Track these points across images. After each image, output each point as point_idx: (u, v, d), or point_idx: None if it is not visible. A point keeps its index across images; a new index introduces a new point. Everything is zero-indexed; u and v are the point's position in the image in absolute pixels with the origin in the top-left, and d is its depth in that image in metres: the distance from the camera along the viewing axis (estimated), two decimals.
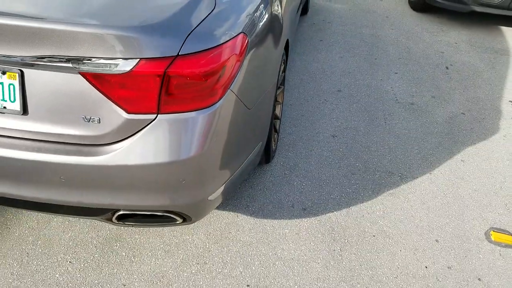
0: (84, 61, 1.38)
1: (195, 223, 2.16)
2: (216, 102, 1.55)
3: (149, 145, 1.50)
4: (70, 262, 1.93)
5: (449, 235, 2.22)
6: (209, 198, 1.70)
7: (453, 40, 4.65)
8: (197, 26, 1.50)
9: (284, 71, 2.69)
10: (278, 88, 2.57)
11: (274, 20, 2.11)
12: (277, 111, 2.77)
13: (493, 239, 2.21)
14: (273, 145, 2.52)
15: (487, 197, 2.50)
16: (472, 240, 2.21)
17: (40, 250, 1.98)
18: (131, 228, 2.09)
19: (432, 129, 3.09)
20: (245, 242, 2.09)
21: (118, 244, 2.02)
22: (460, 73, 3.93)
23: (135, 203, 1.60)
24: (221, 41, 1.53)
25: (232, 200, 2.32)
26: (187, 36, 1.45)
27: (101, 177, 1.53)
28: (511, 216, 2.37)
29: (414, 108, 3.34)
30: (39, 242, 2.01)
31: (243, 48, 1.66)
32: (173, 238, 2.07)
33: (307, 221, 2.24)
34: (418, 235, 2.21)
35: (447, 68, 4.03)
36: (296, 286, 1.91)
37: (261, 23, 1.89)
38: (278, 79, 2.27)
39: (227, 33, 1.57)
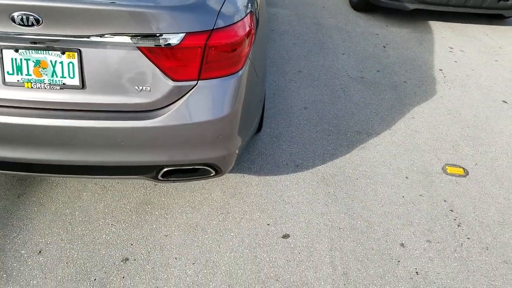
0: (142, 37, 1.67)
1: (210, 184, 2.48)
2: (240, 69, 1.90)
3: (192, 107, 1.81)
4: (112, 224, 2.18)
5: (415, 173, 2.74)
6: (236, 151, 2.04)
7: (383, 24, 5.30)
8: (222, 6, 1.84)
9: None
10: None
11: (262, 5, 2.48)
12: None
13: (449, 172, 2.76)
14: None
15: (438, 142, 3.07)
16: (433, 174, 2.74)
17: (80, 218, 2.20)
18: (157, 192, 2.37)
19: (383, 96, 3.64)
20: (256, 194, 2.45)
21: (149, 207, 2.29)
22: (396, 50, 4.56)
23: (179, 158, 1.90)
24: (240, 18, 1.89)
25: (235, 165, 2.66)
26: (218, 14, 1.79)
27: (153, 138, 1.82)
28: (459, 155, 2.95)
29: (365, 81, 3.88)
30: (77, 212, 2.23)
31: (254, 24, 2.02)
32: (195, 197, 2.38)
33: (301, 174, 2.65)
34: (391, 175, 2.70)
35: (384, 47, 4.64)
36: (306, 221, 2.31)
37: (257, 5, 2.26)
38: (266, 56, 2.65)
39: (242, 12, 1.93)
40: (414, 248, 2.21)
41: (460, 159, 2.91)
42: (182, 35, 1.70)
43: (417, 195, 2.56)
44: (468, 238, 2.29)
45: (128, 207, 2.28)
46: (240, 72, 1.89)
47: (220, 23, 1.78)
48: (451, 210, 2.47)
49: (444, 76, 4.06)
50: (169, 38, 1.69)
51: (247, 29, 1.90)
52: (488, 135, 3.21)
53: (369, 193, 2.54)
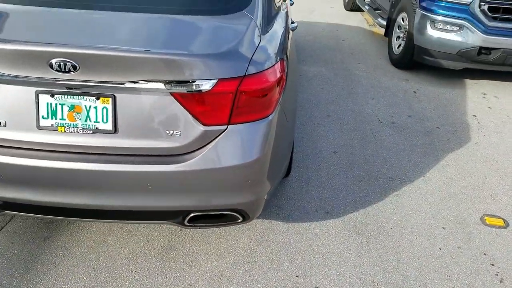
0: (176, 83, 1.67)
1: (236, 230, 2.41)
2: (270, 114, 1.87)
3: (221, 151, 1.79)
4: (135, 271, 2.12)
5: (452, 223, 2.60)
6: (265, 197, 1.98)
7: (414, 72, 5.26)
8: (254, 53, 1.84)
9: None
10: None
11: (293, 51, 2.49)
12: None
13: (488, 223, 2.61)
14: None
15: (474, 191, 2.93)
16: (471, 225, 2.59)
17: (104, 264, 2.15)
18: (182, 238, 2.31)
19: (416, 142, 3.54)
20: (284, 242, 2.36)
21: (174, 253, 2.23)
22: (427, 95, 4.49)
23: (207, 203, 1.86)
24: (272, 64, 1.88)
25: (263, 210, 2.59)
26: (250, 61, 1.79)
27: (181, 182, 1.79)
28: (498, 205, 2.80)
29: (396, 126, 3.80)
30: (101, 258, 2.19)
31: (284, 70, 2.01)
32: (221, 244, 2.31)
33: (332, 222, 2.55)
34: (427, 225, 2.57)
35: (415, 92, 4.58)
36: (337, 273, 2.19)
37: (288, 52, 2.27)
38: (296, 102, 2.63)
39: (273, 59, 1.93)
40: None
41: (499, 210, 2.75)
42: (214, 81, 1.71)
43: (455, 247, 2.41)
44: None
45: (152, 252, 2.23)
46: (270, 117, 1.87)
47: (252, 70, 1.77)
48: (492, 264, 2.30)
49: (479, 123, 3.94)
50: (202, 84, 1.70)
51: (278, 75, 1.89)
52: None
53: (404, 244, 2.41)
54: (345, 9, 8.17)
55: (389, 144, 3.47)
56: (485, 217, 2.66)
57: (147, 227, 2.39)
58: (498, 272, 2.26)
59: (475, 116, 4.07)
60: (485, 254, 2.37)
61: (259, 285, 2.09)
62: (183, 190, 1.81)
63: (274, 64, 1.90)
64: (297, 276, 2.16)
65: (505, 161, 3.32)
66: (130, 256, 2.20)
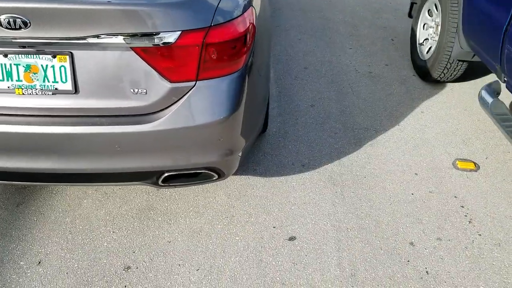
0: (136, 36, 1.63)
1: (214, 187, 2.45)
2: (241, 67, 1.85)
3: (190, 109, 1.78)
4: (113, 232, 2.16)
5: (425, 169, 2.67)
6: (239, 154, 2.00)
7: (391, 16, 5.20)
8: (220, 1, 1.78)
9: None
10: None
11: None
12: None
13: (459, 166, 2.68)
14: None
15: (448, 137, 2.98)
16: (443, 169, 2.66)
17: (80, 227, 2.19)
18: (160, 197, 2.34)
19: (391, 90, 3.56)
20: (262, 196, 2.41)
21: (152, 212, 2.27)
22: (405, 43, 4.46)
23: (180, 163, 1.87)
24: (240, 13, 1.83)
25: (240, 166, 2.62)
26: (215, 10, 1.74)
27: (151, 143, 1.79)
28: (470, 149, 2.87)
29: (373, 75, 3.80)
30: (77, 221, 2.22)
31: (253, 17, 1.96)
32: (199, 201, 2.35)
33: (308, 174, 2.60)
34: (400, 172, 2.64)
35: (392, 40, 4.55)
36: (313, 222, 2.26)
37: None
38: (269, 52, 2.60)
39: (241, 7, 1.86)
40: (424, 246, 2.14)
41: (471, 154, 2.82)
42: (178, 33, 1.66)
43: (426, 192, 2.49)
44: (480, 235, 2.22)
45: (130, 213, 2.26)
46: (241, 71, 1.85)
47: (218, 20, 1.73)
48: (462, 206, 2.39)
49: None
50: (164, 37, 1.66)
51: (247, 25, 1.85)
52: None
53: (378, 191, 2.48)
54: None
55: (366, 95, 3.48)
56: (457, 162, 2.72)
57: (123, 188, 2.41)
58: (467, 214, 2.35)
59: None
60: (455, 197, 2.46)
61: (237, 238, 2.15)
62: (153, 150, 1.81)
63: (243, 13, 1.85)
64: (274, 227, 2.22)
65: (478, 106, 3.36)
66: (107, 218, 2.24)
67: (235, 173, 2.54)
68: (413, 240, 2.18)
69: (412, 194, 2.47)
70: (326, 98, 3.41)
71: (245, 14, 1.86)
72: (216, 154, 1.90)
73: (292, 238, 2.16)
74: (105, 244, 2.10)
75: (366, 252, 2.10)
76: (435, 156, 2.78)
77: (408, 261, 2.07)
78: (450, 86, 3.64)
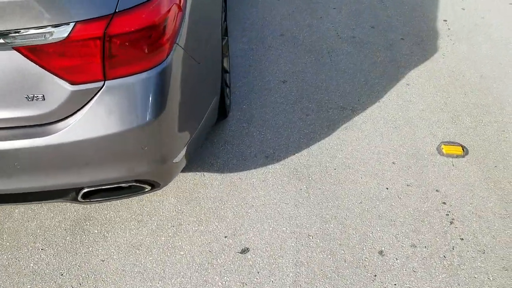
0: (17, 34, 1.30)
1: (163, 189, 2.17)
2: (165, 59, 1.51)
3: (101, 115, 1.46)
4: (42, 249, 1.91)
5: (404, 156, 2.35)
6: (174, 161, 1.70)
7: None
8: None
9: (225, 20, 2.65)
10: (222, 39, 2.54)
11: None
12: (225, 64, 2.75)
13: (444, 152, 2.36)
14: (226, 100, 2.52)
15: (434, 114, 2.64)
16: (426, 156, 2.35)
17: (7, 243, 1.94)
18: (99, 204, 2.07)
19: (375, 59, 3.18)
20: (216, 197, 2.13)
21: (88, 223, 2.01)
22: (396, 0, 4.00)
23: (98, 177, 1.58)
24: None
25: (196, 161, 2.33)
26: None
27: (56, 158, 1.50)
28: (458, 128, 2.53)
29: (356, 41, 3.40)
30: (5, 236, 1.97)
31: None
32: (144, 207, 2.08)
33: (271, 167, 2.30)
34: (375, 160, 2.33)
35: None
36: (270, 228, 1.99)
37: None
38: (221, 29, 2.23)
39: None
40: (395, 256, 1.87)
41: (460, 134, 2.49)
42: (71, 25, 1.33)
43: (404, 185, 2.19)
44: (462, 239, 1.94)
45: (63, 225, 2.00)
46: (165, 63, 1.51)
47: (125, 4, 1.38)
48: (444, 203, 2.10)
49: (449, 29, 3.53)
50: (54, 32, 1.33)
51: (169, 5, 1.49)
52: (495, 101, 2.75)
53: (347, 186, 2.18)
54: None
55: (346, 65, 3.11)
56: (442, 146, 2.40)
57: None
58: (449, 212, 2.06)
59: (446, 20, 3.64)
60: (437, 191, 2.16)
61: (181, 253, 1.89)
62: (61, 165, 1.52)
63: None
64: (225, 237, 1.96)
65: (472, 75, 2.99)
66: (38, 232, 1.98)
67: (189, 170, 2.26)
68: (383, 248, 1.90)
69: (387, 188, 2.17)
70: (301, 72, 3.04)
71: None
72: (142, 165, 1.60)
73: (244, 251, 1.90)
74: (31, 265, 1.86)
75: (327, 265, 1.84)
76: (418, 139, 2.46)
77: (375, 275, 1.80)
78: (441, 51, 3.24)
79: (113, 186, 1.65)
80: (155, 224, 2.00)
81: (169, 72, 1.53)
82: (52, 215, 2.05)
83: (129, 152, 1.55)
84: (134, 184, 1.67)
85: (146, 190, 1.73)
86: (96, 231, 1.98)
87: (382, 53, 3.23)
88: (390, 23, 3.61)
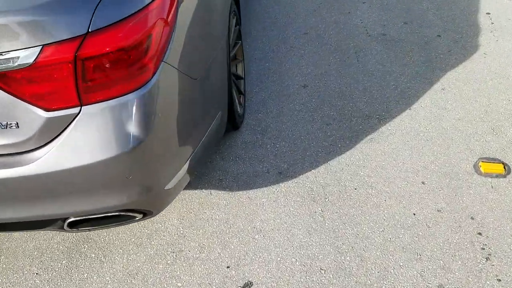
0: None
1: (167, 208, 2.01)
2: (149, 80, 1.34)
3: (79, 143, 1.32)
4: (37, 273, 1.80)
5: (436, 175, 2.09)
6: (166, 187, 1.54)
7: None
8: None
9: (238, 24, 2.45)
10: (234, 45, 2.35)
11: None
12: (239, 70, 2.55)
13: (482, 170, 2.08)
14: (239, 109, 2.33)
15: (472, 125, 2.35)
16: (460, 175, 2.08)
17: (4, 265, 1.84)
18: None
19: (407, 59, 2.89)
20: (221, 220, 1.96)
21: (86, 246, 1.88)
22: None
23: (82, 208, 1.44)
24: (140, 6, 1.30)
25: (203, 176, 2.17)
26: (97, 6, 1.23)
27: (35, 188, 1.36)
28: (500, 142, 2.23)
29: (387, 39, 3.12)
30: (2, 257, 1.87)
31: (171, 9, 1.42)
32: (144, 229, 1.93)
33: (284, 185, 2.10)
34: (402, 180, 2.08)
35: None
36: (278, 259, 1.79)
37: None
38: (229, 37, 2.04)
39: None
40: None
41: (502, 149, 2.20)
42: (38, 48, 1.18)
43: (434, 210, 1.93)
44: (499, 280, 1.68)
45: (61, 247, 1.89)
46: (150, 83, 1.34)
47: (100, 22, 1.22)
48: (479, 234, 1.83)
49: (492, 23, 3.17)
50: (18, 57, 1.18)
51: (154, 20, 1.32)
52: None
53: (368, 210, 1.96)
54: None
55: (374, 67, 2.84)
56: (480, 163, 2.12)
57: None
58: (485, 245, 1.79)
59: (489, 14, 3.28)
60: (472, 219, 1.89)
61: (179, 284, 1.74)
62: (41, 196, 1.39)
63: (146, 5, 1.31)
64: (228, 267, 1.78)
65: None
66: (35, 254, 1.87)
67: (196, 186, 2.10)
68: None
69: (414, 214, 1.92)
70: (324, 74, 2.80)
71: (151, 6, 1.32)
72: (128, 195, 1.44)
73: (247, 285, 1.72)
74: None
75: None
76: (452, 155, 2.18)
77: None
78: (483, 49, 2.91)
79: (100, 215, 1.50)
80: (155, 249, 1.85)
81: (154, 94, 1.36)
82: (51, 235, 1.94)
83: (112, 181, 1.40)
84: (121, 213, 1.52)
85: (137, 218, 1.57)
86: (93, 255, 1.85)
87: (415, 53, 2.94)
88: (425, 18, 3.29)
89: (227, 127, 2.21)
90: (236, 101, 2.25)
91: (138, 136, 1.34)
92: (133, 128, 1.33)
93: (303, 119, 2.47)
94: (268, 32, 3.29)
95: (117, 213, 1.50)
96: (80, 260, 1.84)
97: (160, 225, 1.95)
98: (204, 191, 2.09)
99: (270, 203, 2.02)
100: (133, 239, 1.90)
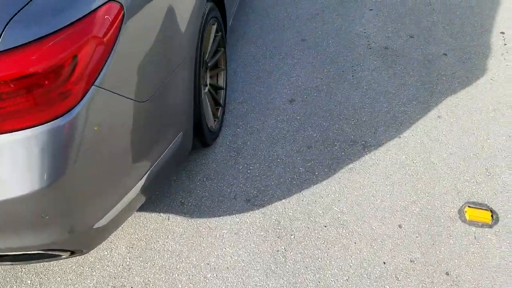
0: None
1: (117, 233, 1.87)
2: (74, 107, 1.18)
3: None
4: None
5: (415, 218, 1.90)
6: (97, 225, 1.38)
7: None
8: (25, 5, 1.10)
9: (221, 30, 2.27)
10: (213, 54, 2.18)
11: None
12: (220, 81, 2.38)
13: (467, 217, 1.88)
14: (213, 124, 2.17)
15: (465, 161, 2.14)
16: (442, 221, 1.88)
17: None
18: None
19: (406, 79, 2.66)
20: (174, 251, 1.80)
21: (24, 270, 1.76)
22: (446, 3, 3.40)
23: None
24: (62, 24, 1.13)
25: (165, 197, 2.01)
26: (8, 23, 1.06)
27: None
28: (492, 185, 2.02)
29: (388, 53, 2.89)
30: None
31: (110, 27, 1.25)
32: (89, 256, 1.80)
33: (249, 215, 1.93)
34: (378, 220, 1.89)
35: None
36: None
37: None
38: (200, 52, 1.86)
39: (76, 8, 1.16)
40: None
41: (493, 194, 1.99)
42: None
43: (406, 260, 1.75)
44: None
45: (2, 267, 1.77)
46: (75, 111, 1.18)
47: (10, 41, 1.06)
48: None
49: (505, 44, 2.91)
50: None
51: (81, 40, 1.15)
52: None
53: (335, 253, 1.78)
54: None
55: (368, 84, 2.63)
56: (466, 208, 1.92)
57: None
58: None
59: (503, 33, 3.02)
60: (447, 274, 1.70)
61: None
62: None
63: (76, 21, 1.15)
64: None
65: None
66: None
67: (154, 208, 1.95)
68: None
69: (384, 263, 1.74)
70: (314, 89, 2.61)
71: (78, 24, 1.15)
72: (47, 234, 1.30)
73: None
74: None
75: None
76: (437, 196, 1.98)
77: None
78: (491, 74, 2.67)
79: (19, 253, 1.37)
80: (95, 281, 1.71)
81: (79, 123, 1.20)
82: None
83: (27, 220, 1.25)
84: (43, 252, 1.37)
85: (64, 256, 1.43)
86: (29, 281, 1.72)
87: (416, 72, 2.71)
88: (433, 33, 3.05)
89: (196, 144, 2.05)
90: (207, 117, 2.08)
91: (54, 172, 1.18)
92: (48, 162, 1.17)
93: (284, 138, 2.29)
94: (265, 34, 3.09)
95: (38, 252, 1.36)
96: (15, 286, 1.71)
97: (106, 253, 1.81)
98: (162, 215, 1.94)
99: (231, 235, 1.86)
100: (74, 267, 1.76)
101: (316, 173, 2.11)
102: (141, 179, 1.51)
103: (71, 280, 1.72)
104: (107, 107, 1.27)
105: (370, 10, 3.37)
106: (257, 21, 3.26)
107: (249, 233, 1.86)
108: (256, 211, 1.95)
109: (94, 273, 1.74)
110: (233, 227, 1.89)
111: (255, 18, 3.31)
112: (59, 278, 1.72)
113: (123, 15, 1.28)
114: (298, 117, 2.42)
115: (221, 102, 2.33)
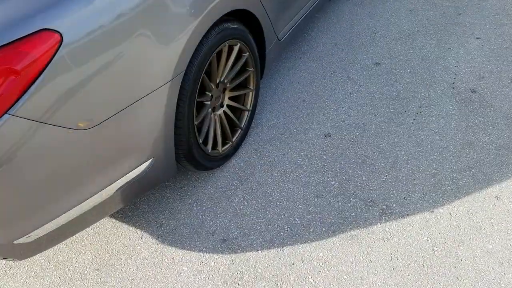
0: None
1: (91, 239, 1.89)
2: None
3: None
4: None
5: None
6: (18, 242, 1.39)
7: None
8: None
9: (249, 50, 2.06)
10: (236, 75, 2.04)
11: None
12: (247, 101, 2.21)
13: None
14: (220, 148, 2.04)
15: (501, 266, 1.65)
16: None
17: None
18: None
19: (479, 138, 2.15)
20: (129, 275, 1.75)
21: None
22: None
23: None
24: None
25: (151, 212, 1.97)
26: None
27: None
28: None
29: (473, 99, 2.37)
30: None
31: (43, 55, 1.19)
32: (58, 253, 1.84)
33: (217, 258, 1.78)
34: None
35: None
36: None
37: None
38: (195, 72, 1.71)
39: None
40: None
41: None
42: None
43: None
44: None
45: None
46: None
47: None
48: None
49: None
50: None
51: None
52: None
53: None
54: None
55: (428, 135, 2.19)
56: None
57: None
58: None
59: None
60: None
61: None
62: None
63: None
64: None
65: None
66: None
67: (134, 222, 1.92)
68: None
69: None
70: (359, 127, 2.27)
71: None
72: None
73: None
74: None
75: None
76: None
77: None
78: None
79: None
80: (51, 281, 1.75)
81: None
82: None
83: None
84: None
85: None
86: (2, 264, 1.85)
87: (496, 131, 2.18)
88: None
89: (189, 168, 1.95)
90: (207, 141, 1.95)
91: None
92: None
93: (296, 178, 2.04)
94: (336, 51, 2.79)
95: None
96: None
97: (74, 254, 1.84)
98: (138, 232, 1.90)
99: (188, 276, 1.73)
100: (43, 261, 1.83)
101: (311, 230, 1.84)
102: (80, 204, 1.47)
103: (35, 273, 1.79)
104: (23, 136, 1.23)
105: (477, 38, 2.80)
106: (335, 35, 2.95)
107: (207, 278, 1.72)
108: (226, 255, 1.78)
109: (55, 272, 1.78)
110: (195, 266, 1.76)
111: (335, 30, 3.00)
112: (26, 267, 1.81)
113: (60, 44, 1.21)
114: (324, 157, 2.14)
115: (241, 125, 2.17)
